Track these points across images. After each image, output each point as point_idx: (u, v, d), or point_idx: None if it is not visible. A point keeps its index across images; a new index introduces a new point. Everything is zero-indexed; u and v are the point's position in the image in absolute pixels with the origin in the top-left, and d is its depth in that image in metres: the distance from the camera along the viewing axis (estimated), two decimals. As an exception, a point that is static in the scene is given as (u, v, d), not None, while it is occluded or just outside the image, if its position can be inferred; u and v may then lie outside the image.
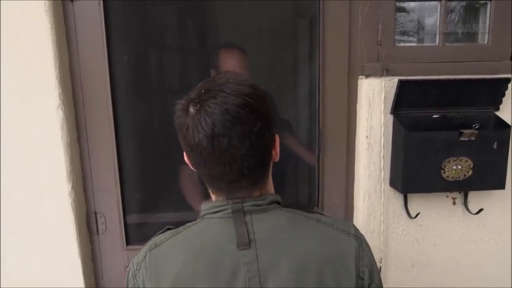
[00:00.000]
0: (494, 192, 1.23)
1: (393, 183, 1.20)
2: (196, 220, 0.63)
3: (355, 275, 0.57)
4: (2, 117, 1.10)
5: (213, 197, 0.64)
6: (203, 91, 0.56)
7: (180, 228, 0.62)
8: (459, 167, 1.12)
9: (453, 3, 1.21)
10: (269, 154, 0.61)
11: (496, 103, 1.17)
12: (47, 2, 1.05)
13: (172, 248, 0.59)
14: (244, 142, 0.55)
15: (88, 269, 1.22)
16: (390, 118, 1.18)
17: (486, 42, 1.22)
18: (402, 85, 1.12)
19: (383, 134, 1.18)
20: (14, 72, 1.08)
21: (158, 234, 0.63)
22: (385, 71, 1.14)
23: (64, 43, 1.12)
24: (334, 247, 0.58)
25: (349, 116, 1.21)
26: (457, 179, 1.13)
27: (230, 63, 1.31)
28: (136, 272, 0.59)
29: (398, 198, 1.24)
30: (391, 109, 1.17)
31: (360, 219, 1.25)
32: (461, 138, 1.09)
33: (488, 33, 1.20)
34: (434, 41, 1.21)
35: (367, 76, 1.16)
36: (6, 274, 1.15)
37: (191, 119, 0.55)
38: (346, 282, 0.57)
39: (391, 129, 1.18)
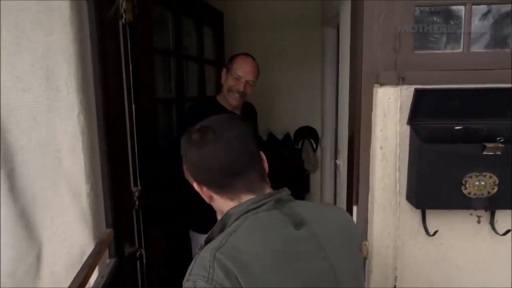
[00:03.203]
0: (527, 211, 1.12)
1: (409, 198, 1.13)
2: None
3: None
4: (30, 122, 1.19)
5: (233, 203, 0.69)
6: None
7: (228, 233, 0.65)
8: (482, 183, 1.03)
9: (480, 7, 1.13)
10: None
11: (527, 114, 1.07)
12: (72, 15, 1.13)
13: (240, 244, 0.62)
14: None
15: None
16: (407, 128, 1.12)
17: (517, 48, 1.12)
18: (418, 94, 1.06)
19: (399, 145, 1.12)
20: (40, 82, 1.16)
21: (206, 246, 0.65)
22: (401, 80, 1.09)
23: (88, 54, 1.20)
24: (345, 215, 0.77)
25: (362, 126, 1.16)
26: (480, 196, 1.04)
27: (246, 68, 1.55)
28: (210, 275, 0.59)
29: (415, 213, 1.17)
30: (408, 119, 1.11)
31: (375, 234, 1.19)
32: (485, 152, 1.01)
33: (520, 38, 1.11)
34: (457, 47, 1.14)
35: (382, 84, 1.11)
36: (25, 268, 1.23)
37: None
38: (357, 234, 0.77)
39: (408, 141, 1.12)
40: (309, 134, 2.59)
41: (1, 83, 1.10)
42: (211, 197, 0.73)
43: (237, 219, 0.67)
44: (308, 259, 0.64)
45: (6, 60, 1.10)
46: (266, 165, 0.74)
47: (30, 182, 1.14)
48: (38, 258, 1.15)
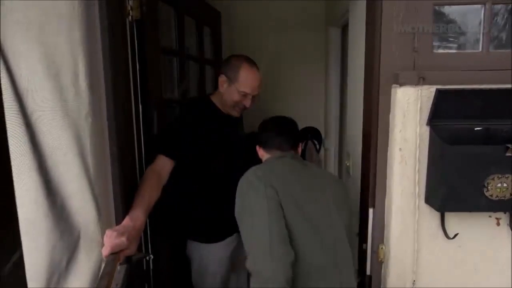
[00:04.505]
0: (546, 213, 1.11)
1: (428, 200, 1.11)
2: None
3: None
4: (38, 125, 1.14)
5: (268, 155, 1.26)
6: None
7: (263, 164, 1.20)
8: (505, 185, 1.01)
9: (499, 6, 1.12)
10: None
11: (549, 115, 1.06)
12: (80, 13, 1.08)
13: (272, 169, 1.13)
14: None
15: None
16: (427, 130, 1.10)
17: (537, 48, 1.11)
18: (440, 95, 1.04)
19: (418, 147, 1.10)
20: (46, 82, 1.11)
21: (248, 177, 1.10)
22: (421, 80, 1.07)
23: (96, 53, 1.15)
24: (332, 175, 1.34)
25: (379, 127, 1.14)
26: (503, 198, 1.02)
27: (254, 83, 1.39)
28: (260, 176, 1.07)
29: (434, 216, 1.15)
30: (428, 120, 1.09)
31: (392, 237, 1.17)
32: (508, 154, 0.99)
33: (540, 38, 1.10)
34: (477, 47, 1.12)
35: (401, 84, 1.09)
36: (32, 270, 1.17)
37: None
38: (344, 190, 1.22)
39: (427, 142, 1.10)
40: (312, 135, 2.56)
41: (5, 83, 1.05)
42: (263, 155, 1.27)
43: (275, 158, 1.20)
44: (316, 183, 1.12)
45: (12, 58, 1.05)
46: (298, 148, 1.28)
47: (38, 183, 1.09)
48: (68, 266, 1.10)
